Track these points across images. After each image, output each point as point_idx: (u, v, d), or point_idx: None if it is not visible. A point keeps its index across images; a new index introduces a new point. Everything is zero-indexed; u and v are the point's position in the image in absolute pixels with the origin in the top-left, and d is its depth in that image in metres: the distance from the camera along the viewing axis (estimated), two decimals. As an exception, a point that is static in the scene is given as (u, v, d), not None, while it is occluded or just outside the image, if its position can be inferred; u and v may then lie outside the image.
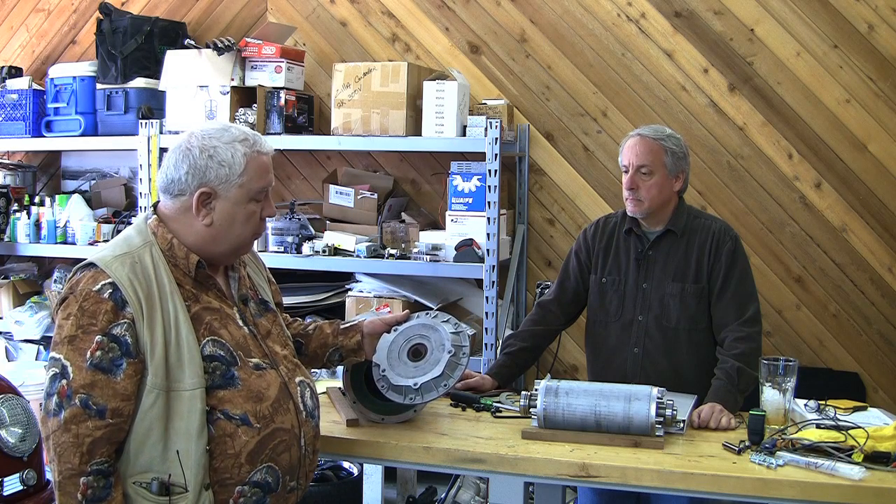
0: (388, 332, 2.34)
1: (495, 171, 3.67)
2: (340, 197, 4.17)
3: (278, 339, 2.11)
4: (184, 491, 1.85)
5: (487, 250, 3.68)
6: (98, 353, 1.82)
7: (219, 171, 1.94)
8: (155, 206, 2.04)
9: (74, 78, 4.43)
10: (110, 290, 1.85)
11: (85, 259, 1.94)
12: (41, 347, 4.55)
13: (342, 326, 2.34)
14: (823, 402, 2.61)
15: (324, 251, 3.90)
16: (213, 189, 1.95)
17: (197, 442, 1.85)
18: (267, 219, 2.07)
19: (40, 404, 1.90)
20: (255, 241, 2.15)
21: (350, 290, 4.06)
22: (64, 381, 1.81)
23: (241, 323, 2.02)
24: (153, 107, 4.29)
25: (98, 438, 1.80)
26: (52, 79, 4.50)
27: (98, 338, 1.82)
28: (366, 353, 2.33)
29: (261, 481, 1.93)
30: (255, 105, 4.00)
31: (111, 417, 1.81)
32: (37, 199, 4.55)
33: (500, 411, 2.52)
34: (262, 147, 2.00)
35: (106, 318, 1.83)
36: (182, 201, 1.97)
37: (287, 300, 4.06)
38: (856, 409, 2.62)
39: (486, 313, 3.68)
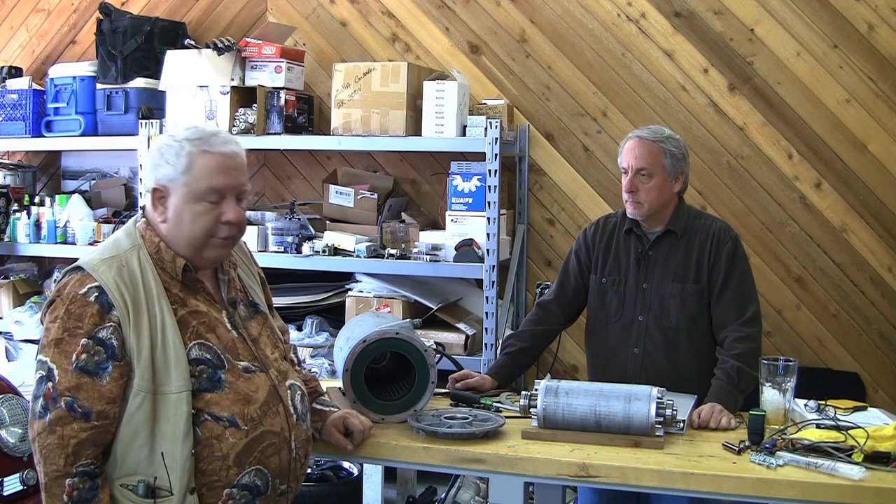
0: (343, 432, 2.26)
1: (495, 171, 3.67)
2: (340, 197, 4.17)
3: (269, 341, 2.09)
4: (169, 494, 1.84)
5: (487, 250, 3.68)
6: (84, 356, 1.82)
7: (166, 170, 1.95)
8: (143, 208, 2.05)
9: (74, 78, 4.43)
10: (96, 294, 1.85)
11: (75, 262, 1.94)
12: (41, 347, 4.55)
13: (314, 406, 2.26)
14: (823, 402, 2.61)
15: (324, 251, 3.90)
16: (164, 186, 1.95)
17: (182, 445, 1.85)
18: (228, 222, 1.96)
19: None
20: (247, 242, 2.15)
21: (350, 290, 4.06)
22: (50, 384, 1.81)
23: (229, 326, 2.01)
24: (153, 107, 4.29)
25: (83, 440, 1.80)
26: (52, 79, 4.51)
27: (84, 341, 1.83)
28: (321, 437, 2.28)
29: (249, 484, 1.93)
30: (255, 105, 4.00)
31: (96, 420, 1.81)
32: (37, 199, 4.55)
33: (500, 411, 2.52)
34: (210, 146, 1.94)
35: (91, 321, 1.84)
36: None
37: (287, 300, 4.08)
38: (856, 409, 2.63)
39: (486, 313, 3.68)
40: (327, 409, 2.29)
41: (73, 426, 1.79)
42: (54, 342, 1.84)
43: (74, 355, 1.82)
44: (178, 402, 1.86)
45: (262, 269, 2.29)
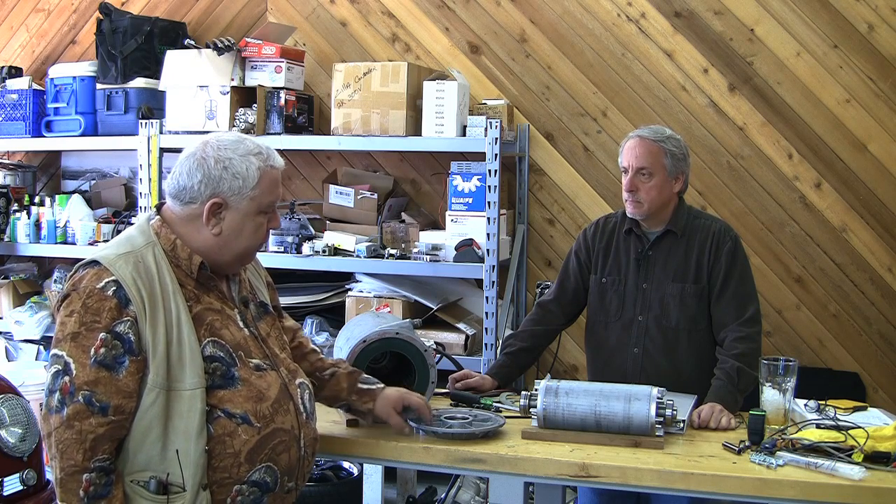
0: (401, 412, 2.28)
1: (495, 171, 3.67)
2: (340, 197, 4.17)
3: (277, 341, 2.12)
4: (181, 490, 1.85)
5: (487, 250, 3.68)
6: (102, 350, 1.82)
7: (232, 183, 1.95)
8: (158, 207, 2.05)
9: (74, 78, 4.43)
10: (114, 288, 1.86)
11: (86, 257, 1.94)
12: (41, 347, 4.55)
13: (360, 386, 2.29)
14: (823, 402, 2.61)
15: (324, 251, 3.90)
16: (225, 200, 1.96)
17: (196, 442, 1.86)
18: (273, 229, 2.10)
19: (41, 403, 1.90)
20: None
21: (350, 290, 4.06)
22: (67, 378, 1.81)
23: (241, 324, 2.03)
24: (153, 107, 4.29)
25: (101, 435, 1.80)
26: (52, 79, 4.51)
27: (102, 335, 1.83)
28: (373, 419, 2.31)
29: (259, 481, 1.94)
30: (255, 105, 4.00)
31: (114, 414, 1.82)
32: (37, 199, 4.55)
33: (500, 411, 2.52)
34: (274, 161, 2.02)
35: (110, 315, 1.84)
36: (192, 209, 1.97)
37: (287, 300, 4.08)
38: (856, 409, 2.63)
39: (486, 313, 3.68)
40: (374, 387, 2.30)
41: (90, 421, 1.80)
42: (71, 336, 1.84)
43: (93, 349, 1.82)
44: (192, 398, 1.87)
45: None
